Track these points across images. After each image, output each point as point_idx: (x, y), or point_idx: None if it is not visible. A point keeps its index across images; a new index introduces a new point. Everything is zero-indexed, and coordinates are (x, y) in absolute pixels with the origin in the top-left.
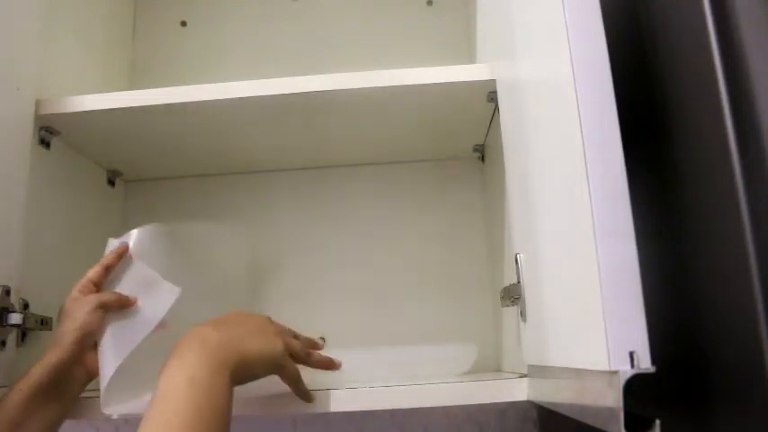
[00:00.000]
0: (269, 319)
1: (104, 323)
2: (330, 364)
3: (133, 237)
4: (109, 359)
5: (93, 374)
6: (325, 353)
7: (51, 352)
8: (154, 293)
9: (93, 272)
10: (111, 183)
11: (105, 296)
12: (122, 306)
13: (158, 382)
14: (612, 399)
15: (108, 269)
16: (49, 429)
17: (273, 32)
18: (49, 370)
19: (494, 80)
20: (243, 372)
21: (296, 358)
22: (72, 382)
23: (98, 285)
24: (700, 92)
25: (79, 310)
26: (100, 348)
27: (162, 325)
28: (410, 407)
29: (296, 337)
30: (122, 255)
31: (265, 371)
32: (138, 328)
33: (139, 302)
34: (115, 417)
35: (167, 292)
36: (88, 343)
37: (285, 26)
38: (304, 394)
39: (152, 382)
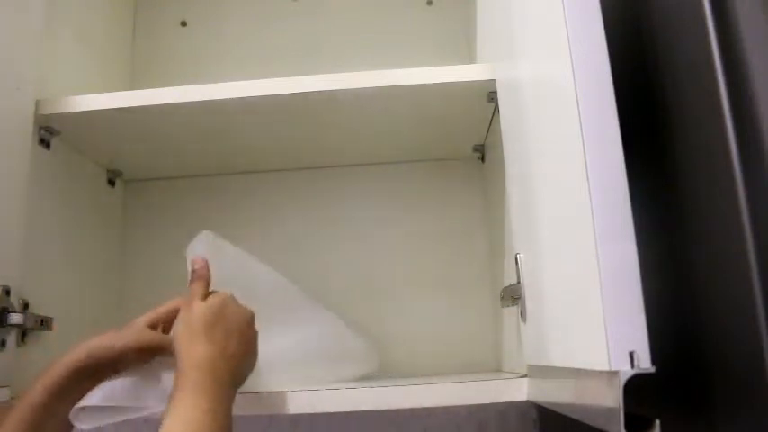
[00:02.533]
0: (248, 314)
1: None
2: None
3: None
4: (116, 390)
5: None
6: None
7: (76, 354)
8: None
9: (165, 309)
10: (111, 183)
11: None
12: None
13: (175, 413)
14: (612, 399)
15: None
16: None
17: (273, 32)
18: (67, 375)
19: (494, 80)
20: (238, 386)
21: None
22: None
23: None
24: (700, 92)
25: (132, 339)
26: (121, 377)
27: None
28: (410, 407)
29: None
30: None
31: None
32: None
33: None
34: (86, 428)
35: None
36: (118, 368)
37: (285, 26)
38: None
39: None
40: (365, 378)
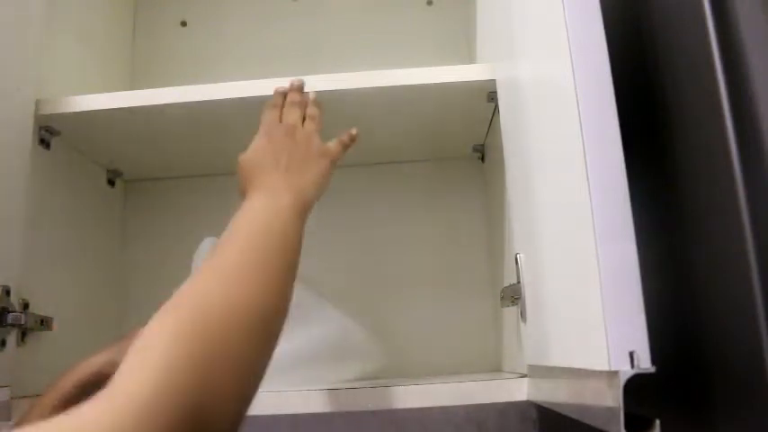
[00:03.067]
0: (301, 132)
1: None
2: (352, 139)
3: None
4: None
5: None
6: None
7: (78, 371)
8: None
9: None
10: (111, 183)
11: None
12: None
13: (242, 212)
14: (612, 399)
15: None
16: None
17: (273, 32)
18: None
19: (494, 80)
20: (308, 211)
21: (336, 158)
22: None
23: None
24: (700, 92)
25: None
26: None
27: None
28: (410, 407)
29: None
30: None
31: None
32: None
33: None
34: None
35: None
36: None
37: (285, 26)
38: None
39: None
40: (374, 375)
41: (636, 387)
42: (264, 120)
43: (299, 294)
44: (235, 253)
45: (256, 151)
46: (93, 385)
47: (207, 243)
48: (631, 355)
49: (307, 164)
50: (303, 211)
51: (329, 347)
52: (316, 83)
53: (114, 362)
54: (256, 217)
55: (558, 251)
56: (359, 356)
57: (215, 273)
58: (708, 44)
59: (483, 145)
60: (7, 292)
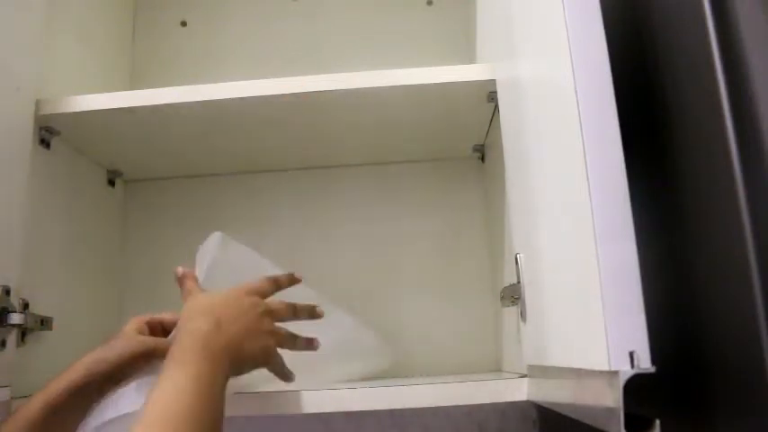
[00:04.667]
0: (264, 311)
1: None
2: (310, 344)
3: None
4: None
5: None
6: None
7: (76, 372)
8: None
9: (169, 315)
10: (111, 183)
11: (160, 345)
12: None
13: (161, 379)
14: (612, 399)
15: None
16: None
17: (273, 32)
18: (68, 391)
19: (494, 80)
20: (236, 372)
21: (283, 347)
22: (82, 411)
23: (164, 330)
24: (700, 92)
25: (127, 348)
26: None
27: None
28: (410, 407)
29: (294, 311)
30: None
31: (253, 368)
32: None
33: None
34: None
35: None
36: (116, 380)
37: (285, 26)
38: (286, 377)
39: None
40: (382, 375)
41: (636, 387)
42: (252, 287)
43: (305, 295)
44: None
45: (216, 311)
46: (86, 389)
47: (214, 238)
48: (631, 355)
49: (250, 336)
50: (224, 378)
51: (342, 348)
52: (316, 83)
53: (104, 360)
54: (172, 393)
55: (558, 251)
56: (370, 356)
57: None
58: (708, 44)
59: (483, 145)
60: (7, 292)
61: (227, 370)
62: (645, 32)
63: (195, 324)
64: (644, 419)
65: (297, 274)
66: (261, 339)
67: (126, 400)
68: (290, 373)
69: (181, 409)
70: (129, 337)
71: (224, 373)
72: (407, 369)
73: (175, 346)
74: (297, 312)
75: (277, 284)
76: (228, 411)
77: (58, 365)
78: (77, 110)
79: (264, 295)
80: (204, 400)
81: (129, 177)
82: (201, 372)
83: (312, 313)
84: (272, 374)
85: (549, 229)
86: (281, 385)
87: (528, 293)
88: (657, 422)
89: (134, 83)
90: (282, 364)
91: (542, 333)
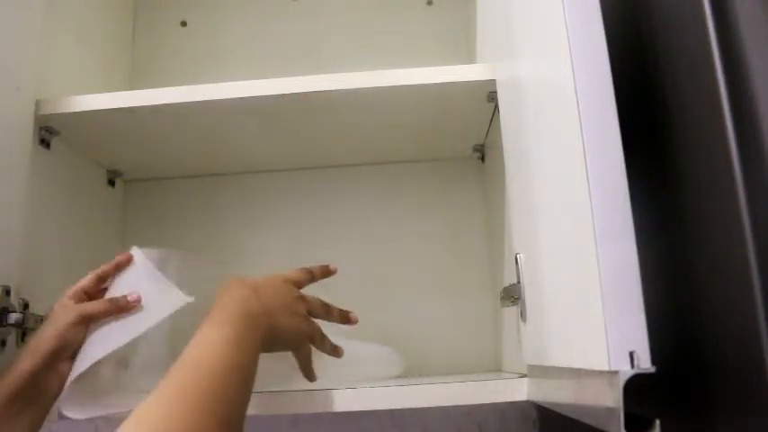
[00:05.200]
0: (300, 297)
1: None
2: (335, 351)
3: (143, 252)
4: (89, 352)
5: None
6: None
7: (26, 359)
8: (158, 296)
9: (87, 280)
10: (111, 183)
11: (89, 308)
12: (109, 314)
13: (196, 338)
14: (612, 399)
15: (102, 279)
16: None
17: (273, 32)
18: (23, 379)
19: (494, 80)
20: (268, 344)
21: (312, 343)
22: (45, 392)
23: (91, 294)
24: (700, 92)
25: (62, 319)
26: (86, 341)
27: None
28: (410, 407)
29: (327, 310)
30: (122, 266)
31: (284, 348)
32: (130, 328)
33: (142, 302)
34: (74, 418)
35: (175, 297)
36: (65, 354)
37: (285, 26)
38: (310, 374)
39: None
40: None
41: (636, 387)
42: (288, 276)
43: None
44: (178, 385)
45: (255, 283)
46: (37, 381)
47: (137, 253)
48: (631, 355)
49: (286, 311)
50: (259, 343)
51: (354, 354)
52: (316, 83)
53: (44, 337)
54: (205, 352)
55: (558, 251)
56: (381, 363)
57: (161, 399)
58: (708, 44)
59: (483, 145)
60: (7, 292)
61: (262, 336)
62: (645, 32)
63: (234, 290)
64: (644, 419)
65: (332, 266)
66: (295, 319)
67: (92, 353)
68: (313, 371)
69: (214, 369)
70: (61, 310)
71: (260, 339)
72: (407, 369)
73: (214, 308)
74: (329, 312)
75: (311, 275)
76: None
77: None
78: (77, 110)
79: (299, 285)
80: (238, 360)
81: (129, 177)
82: (239, 333)
83: (345, 318)
84: (288, 372)
85: (549, 229)
86: (282, 385)
87: (528, 293)
88: (657, 422)
89: (134, 83)
90: (310, 358)
91: (542, 333)
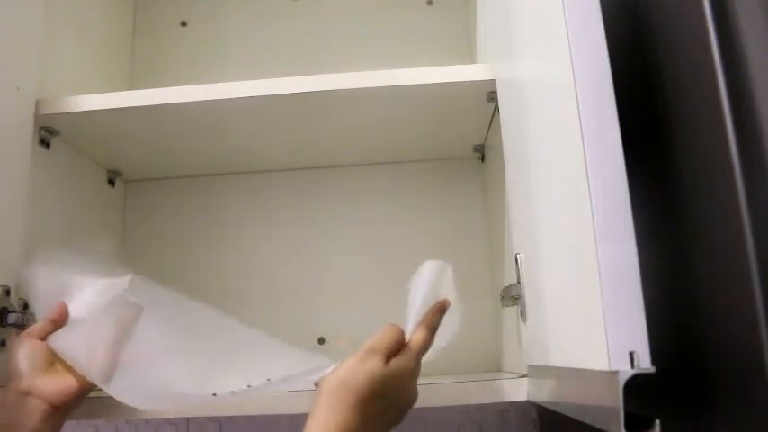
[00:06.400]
0: (414, 389)
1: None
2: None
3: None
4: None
5: (52, 399)
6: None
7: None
8: (103, 289)
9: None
10: (111, 183)
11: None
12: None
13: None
14: (612, 399)
15: (55, 322)
16: None
17: (273, 32)
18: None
19: (494, 80)
20: None
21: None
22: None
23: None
24: (700, 92)
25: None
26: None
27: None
28: None
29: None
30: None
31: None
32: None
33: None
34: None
35: (117, 281)
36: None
37: (285, 26)
38: None
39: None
40: None
41: (636, 387)
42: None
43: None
44: None
45: (393, 380)
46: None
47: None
48: (631, 355)
49: (396, 415)
50: None
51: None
52: (316, 83)
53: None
54: None
55: (558, 251)
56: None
57: None
58: (708, 44)
59: (483, 145)
60: (7, 292)
61: None
62: (645, 32)
63: (363, 395)
64: (644, 419)
65: (446, 301)
66: (401, 416)
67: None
68: None
69: None
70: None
71: None
72: None
73: (335, 398)
74: (432, 340)
75: (432, 331)
76: (229, 411)
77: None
78: (77, 110)
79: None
80: None
81: (129, 177)
82: None
83: (442, 309)
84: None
85: (549, 229)
86: (283, 386)
87: (528, 293)
88: (657, 422)
89: (134, 83)
90: None
91: (542, 333)
